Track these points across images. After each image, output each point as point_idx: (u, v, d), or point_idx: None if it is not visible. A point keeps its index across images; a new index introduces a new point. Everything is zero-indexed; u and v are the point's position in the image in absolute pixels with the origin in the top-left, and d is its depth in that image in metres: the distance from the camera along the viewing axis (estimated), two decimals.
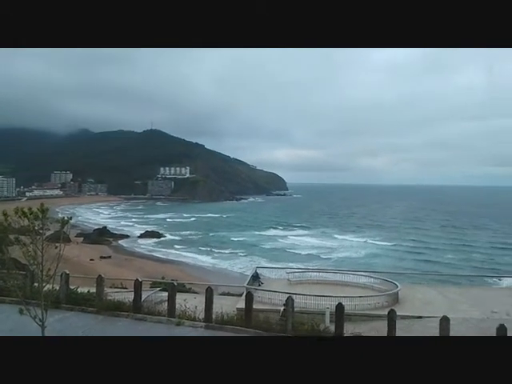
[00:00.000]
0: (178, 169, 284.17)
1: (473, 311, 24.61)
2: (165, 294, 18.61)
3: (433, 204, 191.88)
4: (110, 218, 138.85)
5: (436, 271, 53.37)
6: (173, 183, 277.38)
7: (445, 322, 15.16)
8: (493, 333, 15.12)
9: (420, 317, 23.03)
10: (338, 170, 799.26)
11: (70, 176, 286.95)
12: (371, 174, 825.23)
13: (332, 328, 17.53)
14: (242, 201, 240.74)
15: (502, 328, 14.58)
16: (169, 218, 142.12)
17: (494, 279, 42.20)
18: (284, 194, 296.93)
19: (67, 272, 16.93)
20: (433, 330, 16.67)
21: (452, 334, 16.68)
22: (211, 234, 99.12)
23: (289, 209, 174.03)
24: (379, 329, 17.72)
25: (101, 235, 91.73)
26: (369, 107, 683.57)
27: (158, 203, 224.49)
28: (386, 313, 17.96)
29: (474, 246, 79.84)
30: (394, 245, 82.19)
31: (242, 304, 19.47)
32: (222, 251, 77.04)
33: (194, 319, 14.90)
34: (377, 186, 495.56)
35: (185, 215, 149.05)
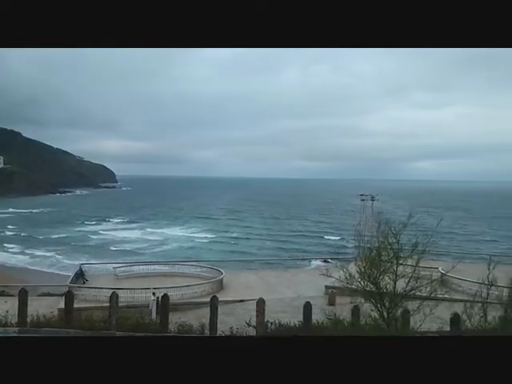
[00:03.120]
0: None
1: (287, 291, 27.47)
2: None
3: (257, 195, 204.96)
4: None
5: (258, 258, 57.62)
6: None
7: (261, 303, 16.64)
8: (301, 308, 17.18)
9: (242, 300, 24.80)
10: (171, 162, 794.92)
11: None
12: (204, 167, 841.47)
13: (158, 319, 17.82)
14: (67, 194, 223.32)
15: (307, 305, 16.71)
16: None
17: (305, 262, 47.48)
18: (113, 187, 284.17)
19: None
20: (252, 312, 18.17)
21: (268, 312, 18.40)
22: (26, 232, 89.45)
23: (116, 202, 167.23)
24: (204, 315, 18.60)
25: None
26: (201, 101, 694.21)
27: None
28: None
29: (288, 234, 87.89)
30: (217, 236, 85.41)
31: (63, 304, 18.44)
32: (39, 250, 70.26)
33: (5, 324, 13.63)
34: (209, 178, 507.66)
35: None
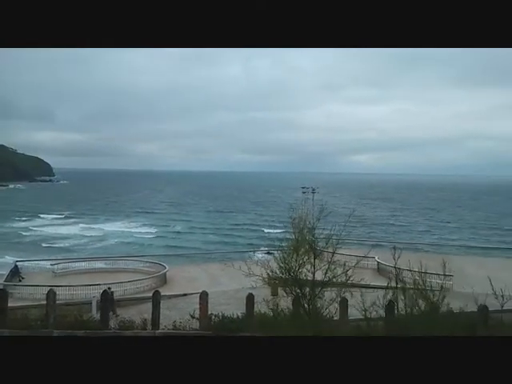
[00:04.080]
0: None
1: (231, 283, 27.72)
2: None
3: (200, 189, 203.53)
4: None
5: (202, 252, 57.61)
6: None
7: (204, 296, 16.79)
8: (244, 300, 17.48)
9: (185, 294, 24.82)
10: (111, 155, 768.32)
11: None
12: (145, 160, 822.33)
13: (98, 316, 17.47)
14: (0, 188, 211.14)
15: (250, 296, 17.04)
16: None
17: (250, 254, 47.98)
18: (50, 180, 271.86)
19: None
20: (196, 306, 18.24)
21: (212, 304, 18.53)
22: None
23: (53, 196, 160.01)
24: (146, 311, 18.47)
25: None
26: (140, 93, 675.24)
27: None
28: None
29: (232, 227, 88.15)
30: (160, 231, 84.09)
31: None
32: None
33: None
34: (150, 171, 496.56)
35: None
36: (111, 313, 22.23)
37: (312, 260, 13.80)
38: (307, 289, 13.59)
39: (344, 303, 14.94)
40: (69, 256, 53.42)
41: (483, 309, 13.70)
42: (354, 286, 14.22)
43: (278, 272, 14.22)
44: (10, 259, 43.75)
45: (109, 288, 24.09)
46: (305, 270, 13.73)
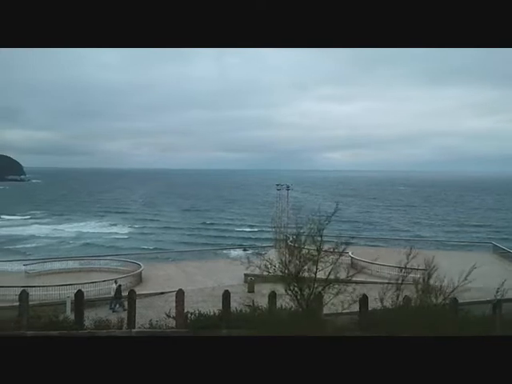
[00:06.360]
0: None
1: (208, 281, 27.80)
2: None
3: (174, 187, 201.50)
4: None
5: (178, 250, 57.26)
6: None
7: (180, 294, 16.82)
8: (221, 297, 17.58)
9: (162, 293, 24.73)
10: (80, 153, 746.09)
11: None
12: (114, 158, 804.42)
13: (73, 316, 17.28)
14: None
15: (226, 293, 17.16)
16: None
17: (225, 251, 48.08)
18: (21, 180, 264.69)
19: None
20: (172, 304, 18.23)
21: (189, 302, 18.56)
22: None
23: (25, 195, 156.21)
24: None
25: None
26: (106, 89, 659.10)
27: None
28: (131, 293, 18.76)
29: (207, 227, 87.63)
30: (134, 232, 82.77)
31: None
32: None
33: None
34: (120, 169, 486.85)
35: None
36: (118, 306, 22.49)
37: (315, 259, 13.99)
38: (306, 284, 13.76)
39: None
40: (38, 257, 51.90)
41: (453, 301, 14.24)
42: (349, 282, 14.57)
43: (278, 267, 14.31)
44: None
45: (115, 282, 24.25)
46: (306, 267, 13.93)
